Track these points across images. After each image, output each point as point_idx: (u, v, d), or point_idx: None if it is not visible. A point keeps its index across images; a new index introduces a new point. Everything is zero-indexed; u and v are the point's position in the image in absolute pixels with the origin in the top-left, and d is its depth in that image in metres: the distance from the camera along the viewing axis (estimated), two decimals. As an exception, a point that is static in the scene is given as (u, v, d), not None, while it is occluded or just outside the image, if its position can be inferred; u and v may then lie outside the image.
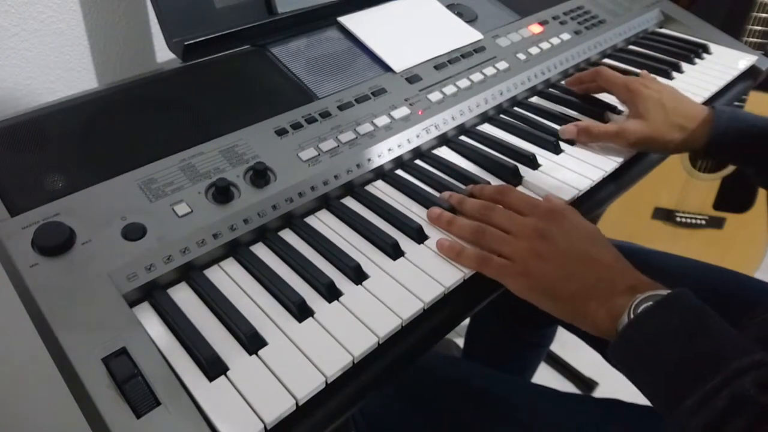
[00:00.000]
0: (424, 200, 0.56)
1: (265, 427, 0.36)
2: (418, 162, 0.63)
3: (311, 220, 0.53)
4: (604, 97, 0.74)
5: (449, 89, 0.67)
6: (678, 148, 0.67)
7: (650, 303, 0.41)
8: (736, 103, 1.22)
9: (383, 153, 0.59)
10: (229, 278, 0.47)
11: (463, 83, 0.69)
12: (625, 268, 0.47)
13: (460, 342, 1.31)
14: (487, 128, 0.69)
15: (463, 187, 0.58)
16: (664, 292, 0.42)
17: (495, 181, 0.59)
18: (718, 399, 0.34)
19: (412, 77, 0.67)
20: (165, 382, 0.37)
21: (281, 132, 0.56)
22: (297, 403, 0.38)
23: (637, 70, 0.79)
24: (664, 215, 1.50)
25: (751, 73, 0.89)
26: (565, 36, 0.83)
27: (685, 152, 0.68)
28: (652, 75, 0.75)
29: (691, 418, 0.35)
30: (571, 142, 0.67)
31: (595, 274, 0.46)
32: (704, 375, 0.36)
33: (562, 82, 0.79)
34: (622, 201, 1.46)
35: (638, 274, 0.46)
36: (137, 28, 0.72)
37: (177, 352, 0.40)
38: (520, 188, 0.59)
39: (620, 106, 0.73)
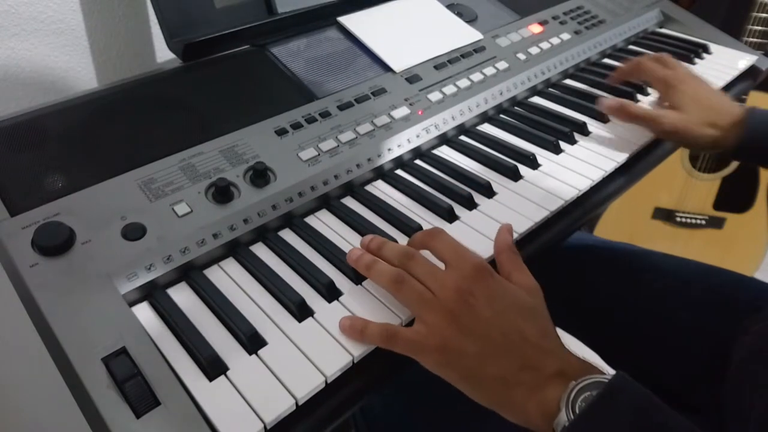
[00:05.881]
0: (424, 200, 0.56)
1: (264, 427, 0.36)
2: (418, 162, 0.63)
3: (311, 220, 0.53)
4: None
5: (449, 89, 0.67)
6: (708, 146, 0.68)
7: (588, 393, 0.35)
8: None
9: (383, 153, 0.59)
10: (229, 278, 0.47)
11: (463, 83, 0.69)
12: (553, 346, 0.41)
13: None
14: (487, 128, 0.69)
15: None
16: (600, 377, 0.36)
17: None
18: None
19: (412, 77, 0.67)
20: (165, 382, 0.37)
21: (281, 132, 0.56)
22: (297, 403, 0.38)
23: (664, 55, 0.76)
24: (664, 215, 1.50)
25: (751, 73, 0.89)
26: (565, 36, 0.83)
27: (715, 151, 0.69)
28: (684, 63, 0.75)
29: None
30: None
31: (519, 355, 0.39)
32: None
33: (564, 81, 0.79)
34: (622, 201, 1.46)
35: (567, 352, 0.40)
36: (137, 28, 0.72)
37: (177, 352, 0.40)
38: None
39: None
